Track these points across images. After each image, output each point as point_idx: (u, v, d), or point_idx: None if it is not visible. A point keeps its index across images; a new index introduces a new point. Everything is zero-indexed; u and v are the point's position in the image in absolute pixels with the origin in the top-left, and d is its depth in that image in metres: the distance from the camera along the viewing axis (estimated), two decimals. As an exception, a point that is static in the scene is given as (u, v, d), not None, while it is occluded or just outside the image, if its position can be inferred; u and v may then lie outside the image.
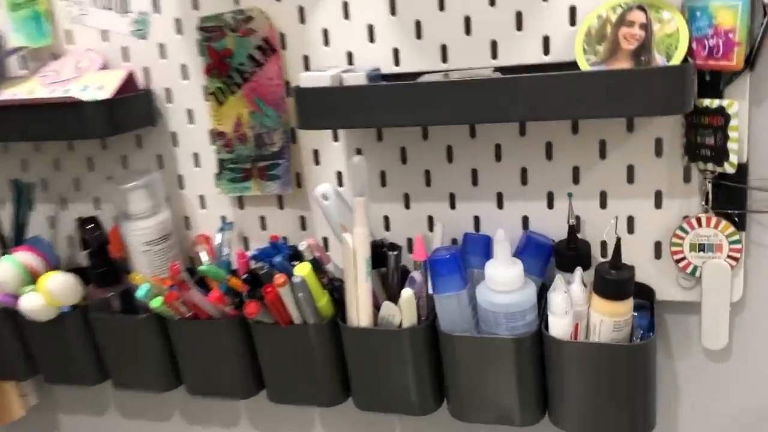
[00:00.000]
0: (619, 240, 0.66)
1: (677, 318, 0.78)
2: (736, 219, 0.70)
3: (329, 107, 0.69)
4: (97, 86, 0.82)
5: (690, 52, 0.64)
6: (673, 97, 0.60)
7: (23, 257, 0.85)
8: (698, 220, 0.71)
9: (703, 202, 0.70)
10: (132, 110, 0.84)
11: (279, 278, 0.70)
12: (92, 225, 0.84)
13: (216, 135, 0.85)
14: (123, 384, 0.89)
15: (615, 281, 0.66)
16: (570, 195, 0.72)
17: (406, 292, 0.70)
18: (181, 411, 1.04)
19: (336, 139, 0.82)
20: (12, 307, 0.85)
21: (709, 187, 0.69)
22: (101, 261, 0.85)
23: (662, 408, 0.78)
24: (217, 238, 0.86)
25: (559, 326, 0.67)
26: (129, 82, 0.84)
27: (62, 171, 0.95)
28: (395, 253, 0.73)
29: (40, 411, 1.10)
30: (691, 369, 0.80)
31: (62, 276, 0.82)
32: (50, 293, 0.81)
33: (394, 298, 0.74)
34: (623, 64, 0.66)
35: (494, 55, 0.73)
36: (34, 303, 0.82)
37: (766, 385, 0.78)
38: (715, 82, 0.67)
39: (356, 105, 0.69)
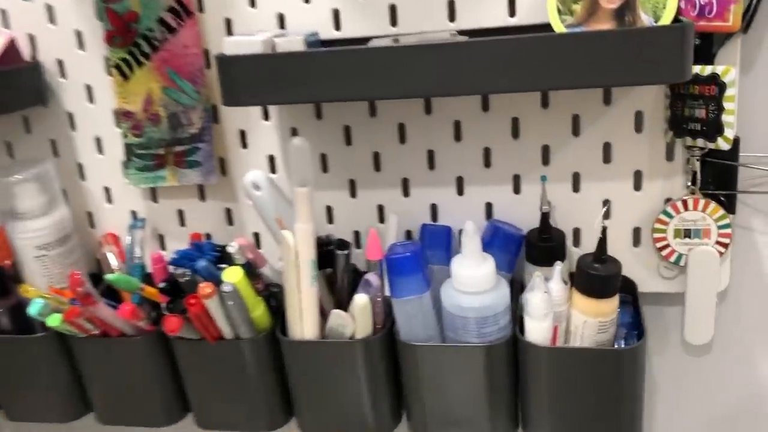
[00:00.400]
0: (605, 230, 0.57)
1: (654, 310, 0.71)
2: (725, 200, 0.63)
3: (261, 79, 0.57)
4: (-32, 57, 0.67)
5: (678, 11, 0.56)
6: (670, 62, 0.52)
7: None
8: (684, 202, 0.63)
9: (689, 183, 0.63)
10: (15, 86, 0.69)
11: (205, 288, 0.58)
12: (-30, 227, 0.69)
13: (122, 115, 0.71)
14: (20, 415, 0.75)
15: (601, 277, 0.57)
16: (543, 178, 0.63)
17: (360, 298, 0.59)
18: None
19: (267, 117, 0.70)
20: None
21: (698, 165, 0.62)
22: (-18, 270, 0.70)
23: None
24: (127, 238, 0.72)
25: (537, 330, 0.58)
26: (10, 52, 0.69)
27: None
28: (345, 252, 0.62)
29: None
30: (668, 364, 0.73)
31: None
32: None
33: (343, 303, 0.63)
34: (604, 25, 0.57)
35: (452, 18, 0.63)
36: None
37: (747, 380, 0.72)
38: (705, 47, 0.59)
39: (294, 76, 0.57)
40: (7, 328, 0.71)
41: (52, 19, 0.70)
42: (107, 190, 0.76)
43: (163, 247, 0.77)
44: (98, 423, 0.73)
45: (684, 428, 0.75)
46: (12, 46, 0.70)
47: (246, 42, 0.57)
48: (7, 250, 0.71)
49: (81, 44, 0.71)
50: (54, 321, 0.63)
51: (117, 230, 0.76)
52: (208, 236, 0.75)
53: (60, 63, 0.72)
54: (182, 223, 0.76)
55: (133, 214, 0.76)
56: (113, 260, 0.74)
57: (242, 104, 0.60)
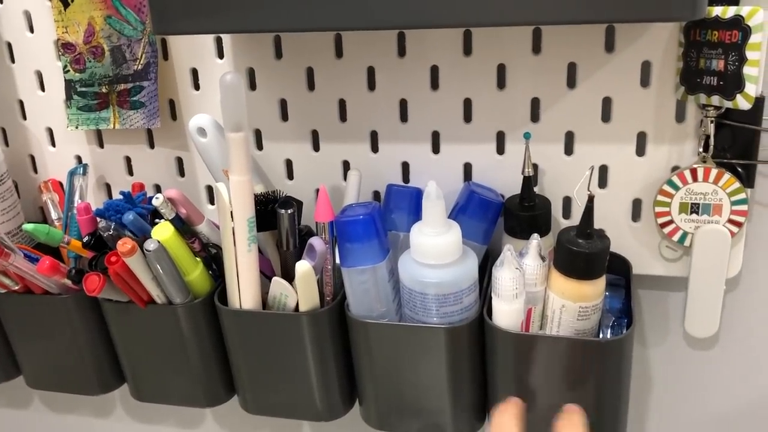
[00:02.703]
0: (592, 199, 0.48)
1: (652, 295, 0.62)
2: (742, 171, 0.53)
3: (198, 2, 0.49)
4: None
5: (699, -63, 0.46)
6: (681, -6, 0.42)
7: None
8: (693, 172, 0.53)
9: (701, 149, 0.53)
10: (-58, 9, 0.61)
11: (124, 244, 0.50)
12: None
13: (62, 47, 0.63)
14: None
15: (584, 255, 0.48)
16: (527, 136, 0.54)
17: (302, 266, 0.51)
18: (42, 399, 0.84)
19: (221, 55, 0.61)
20: None
21: (712, 128, 0.52)
22: None
23: (630, 403, 0.61)
24: (66, 186, 0.65)
25: (506, 314, 0.49)
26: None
27: None
28: (289, 211, 0.54)
29: None
30: (666, 358, 0.64)
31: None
32: None
33: (290, 271, 0.55)
34: (607, -48, 0.47)
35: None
36: None
37: (755, 379, 0.63)
38: (729, -17, 0.48)
39: None
40: (-69, 278, 0.65)
41: (-15, -66, 0.62)
42: (50, 131, 0.69)
43: (109, 196, 0.69)
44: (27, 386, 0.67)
45: (681, 428, 0.66)
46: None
47: (178, -43, 0.48)
48: (-68, 193, 0.64)
49: (18, -36, 0.63)
50: (-35, 273, 0.56)
51: (61, 177, 0.69)
52: (158, 188, 0.67)
53: (-5, -14, 0.64)
54: (130, 171, 0.68)
55: (79, 159, 0.69)
56: (52, 209, 0.67)
57: (176, 32, 0.52)
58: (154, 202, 0.53)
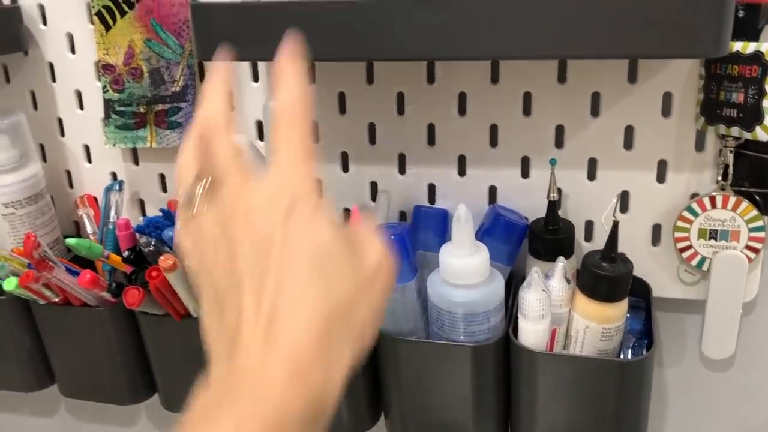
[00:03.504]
0: (616, 225, 0.50)
1: (670, 317, 0.63)
2: (759, 200, 0.55)
3: (240, 31, 0.51)
4: (-63, -5, 0.62)
5: (721, -23, 0.48)
6: (705, 32, 0.44)
7: None
8: (712, 199, 0.55)
9: (720, 177, 0.55)
10: (-10, 30, 0.64)
11: (166, 260, 0.52)
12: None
13: (103, 68, 0.66)
14: (-20, 381, 0.71)
15: (608, 278, 0.50)
16: (553, 162, 0.56)
17: (336, 283, 0.53)
18: (68, 408, 0.86)
19: (256, 78, 0.64)
20: None
21: (731, 158, 0.54)
22: (-51, 225, 0.65)
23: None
24: (102, 201, 0.67)
25: (532, 333, 0.51)
26: (-15, -8, 0.64)
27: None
28: (323, 230, 0.56)
29: None
30: (683, 379, 0.66)
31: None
32: None
33: (322, 287, 0.57)
34: (633, -11, 0.50)
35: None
36: None
37: (770, 400, 0.64)
38: (750, 20, 0.51)
39: (277, 29, 0.50)
40: (-28, 288, 0.67)
41: (32, -41, 0.65)
42: (87, 148, 0.71)
43: (143, 212, 0.72)
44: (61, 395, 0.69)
45: (696, 449, 0.68)
46: (-12, -13, 0.65)
47: (224, -12, 0.51)
48: (-26, 205, 0.67)
49: (63, -12, 0.66)
50: (9, 285, 0.58)
51: (96, 192, 0.71)
52: (190, 204, 0.70)
53: (41, 8, 0.67)
54: (164, 188, 0.70)
55: (114, 175, 0.71)
56: (88, 224, 0.69)
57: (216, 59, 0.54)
58: (195, 219, 0.55)
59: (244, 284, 0.30)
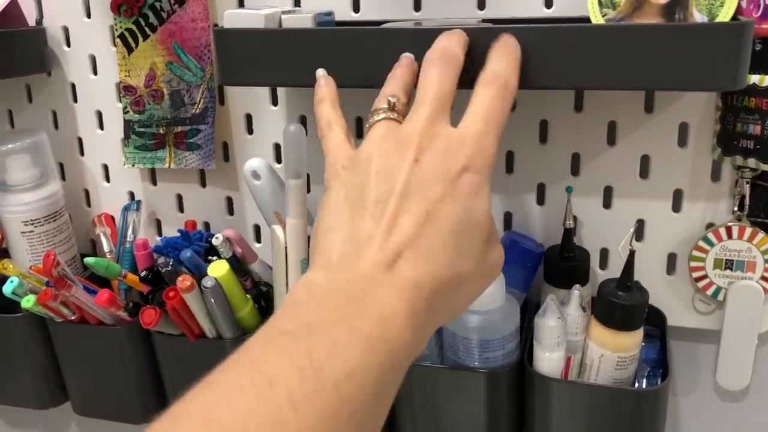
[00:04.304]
0: (633, 254, 0.50)
1: (685, 347, 0.63)
2: (775, 231, 0.55)
3: (262, 57, 0.52)
4: (-35, 16, 0.63)
5: (738, 11, 0.49)
6: (723, 66, 0.44)
7: None
8: (728, 230, 0.55)
9: (736, 208, 0.55)
10: (16, 51, 0.65)
11: (184, 280, 0.53)
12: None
13: (124, 89, 0.67)
14: (-4, 397, 0.71)
15: (624, 306, 0.50)
16: (569, 189, 0.56)
17: (352, 307, 0.53)
18: (79, 426, 0.86)
19: (275, 102, 0.65)
20: None
21: (747, 189, 0.54)
22: (-32, 242, 0.66)
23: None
24: (120, 221, 0.68)
25: (547, 361, 0.51)
26: (12, 14, 0.66)
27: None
28: (340, 253, 0.56)
29: None
30: (697, 409, 0.65)
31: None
32: None
33: (337, 310, 0.57)
34: (650, 21, 0.50)
35: (481, 5, 0.57)
36: None
37: (785, 432, 0.64)
38: (767, 53, 0.51)
39: (298, 56, 0.51)
40: (-11, 305, 0.68)
41: (59, -17, 0.66)
42: (106, 168, 0.72)
43: (159, 232, 0.72)
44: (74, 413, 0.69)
45: (709, 480, 0.67)
46: (14, 8, 0.66)
47: (248, 15, 0.52)
48: (-5, 223, 0.68)
49: (88, 12, 0.67)
50: (27, 303, 0.58)
51: (114, 211, 0.72)
52: (207, 225, 0.70)
53: (65, 30, 0.68)
54: (181, 209, 0.71)
55: (131, 195, 0.72)
56: (105, 242, 0.70)
57: (239, 83, 0.55)
58: (214, 241, 0.55)
59: (389, 204, 0.31)
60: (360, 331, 0.27)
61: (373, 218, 0.31)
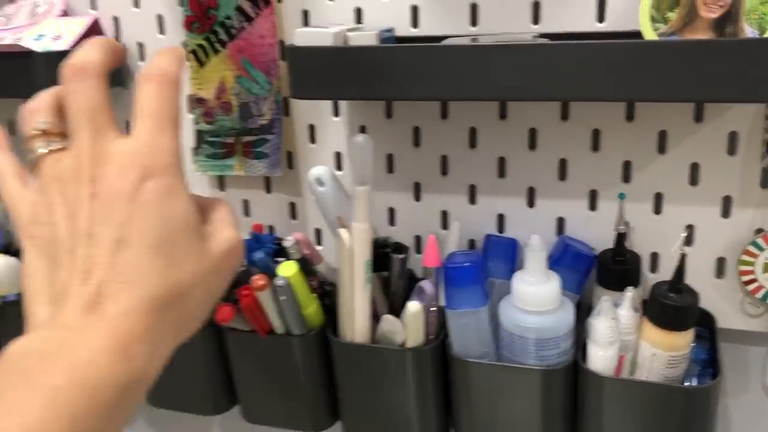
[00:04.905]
0: (684, 257, 0.53)
1: (734, 348, 0.65)
2: (824, 236, 0.57)
3: (330, 72, 0.56)
4: (54, 35, 0.68)
5: (788, 24, 0.51)
6: (772, 78, 0.47)
7: (-40, 235, 0.72)
8: (777, 235, 0.57)
9: (785, 214, 0.57)
10: (96, 67, 0.70)
11: (258, 280, 0.57)
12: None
13: (195, 101, 0.71)
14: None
15: (675, 307, 0.53)
16: (622, 196, 0.59)
17: (414, 306, 0.57)
18: (146, 419, 0.91)
19: (337, 113, 0.68)
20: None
21: (796, 195, 0.56)
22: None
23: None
24: (191, 224, 0.72)
25: (601, 359, 0.54)
26: (94, 33, 0.71)
27: (16, 135, 0.81)
28: (402, 256, 0.60)
29: None
30: (745, 410, 0.67)
31: (4, 259, 0.69)
32: (-11, 279, 0.68)
33: (397, 309, 0.61)
34: (701, 36, 0.53)
35: (535, 20, 0.60)
36: (-32, 290, 0.69)
37: (835, 433, 0.65)
38: (816, 65, 0.53)
39: (364, 71, 0.55)
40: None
41: (136, 3, 0.71)
42: (177, 174, 0.76)
43: (225, 235, 0.76)
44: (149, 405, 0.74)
45: (758, 479, 0.69)
46: (95, 28, 0.71)
47: (317, 34, 0.56)
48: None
49: (161, 29, 0.72)
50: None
51: (183, 215, 0.76)
52: (271, 229, 0.74)
53: (140, 46, 0.73)
54: (247, 213, 0.75)
55: (200, 200, 0.76)
56: (176, 245, 0.74)
57: (310, 97, 0.59)
58: (285, 243, 0.59)
59: (78, 248, 0.29)
60: (43, 386, 0.25)
61: (69, 268, 0.29)
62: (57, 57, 0.65)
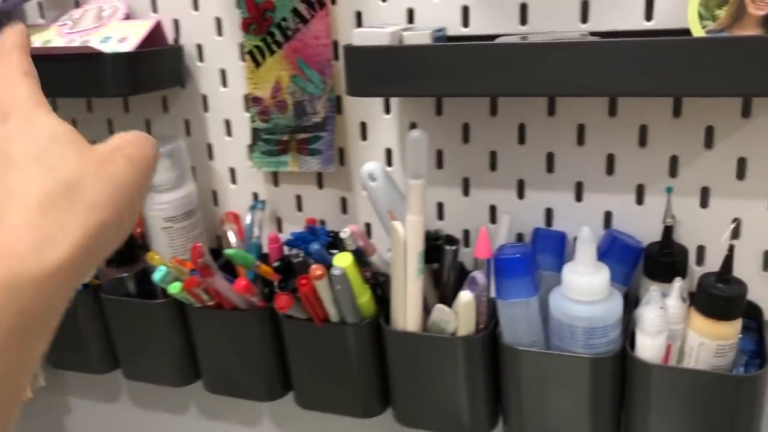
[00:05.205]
0: (732, 249, 0.54)
1: (780, 341, 0.66)
2: None
3: (386, 71, 0.58)
4: (119, 37, 0.72)
5: (836, 20, 0.52)
6: (822, 73, 0.48)
7: (30, 227, 0.75)
8: (825, 228, 0.58)
9: (833, 207, 0.58)
10: (158, 67, 0.74)
11: (316, 269, 0.60)
12: (108, 195, 0.74)
13: (251, 100, 0.74)
14: (135, 375, 0.80)
15: (724, 297, 0.54)
16: (669, 190, 0.60)
17: (466, 296, 0.59)
18: (198, 405, 0.94)
19: (387, 111, 0.71)
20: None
21: None
22: (116, 236, 0.75)
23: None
24: (247, 218, 0.76)
25: (649, 347, 0.56)
26: (156, 35, 0.74)
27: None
28: (453, 247, 0.62)
29: (49, 393, 1.02)
30: (792, 402, 0.67)
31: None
32: (57, 270, 0.72)
33: (448, 299, 0.63)
34: (749, 32, 0.54)
35: (584, 19, 0.61)
36: (39, 280, 0.73)
37: None
38: None
39: (418, 69, 0.57)
40: (132, 292, 0.76)
41: (195, 6, 0.75)
42: (232, 171, 0.80)
43: (279, 229, 0.80)
44: (205, 391, 0.77)
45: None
46: (157, 30, 0.74)
47: (374, 34, 0.58)
48: (138, 220, 0.76)
49: (219, 30, 0.75)
50: (174, 289, 0.66)
51: (238, 210, 0.79)
52: (323, 222, 0.77)
53: (199, 47, 0.76)
54: (299, 208, 0.78)
55: (255, 195, 0.79)
56: (233, 238, 0.77)
57: (366, 94, 0.62)
58: (342, 234, 0.62)
59: None
60: None
61: None
62: (123, 58, 0.69)
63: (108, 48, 0.70)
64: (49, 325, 0.28)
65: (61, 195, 0.28)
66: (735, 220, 0.57)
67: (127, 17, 0.76)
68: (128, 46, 0.71)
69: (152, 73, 0.73)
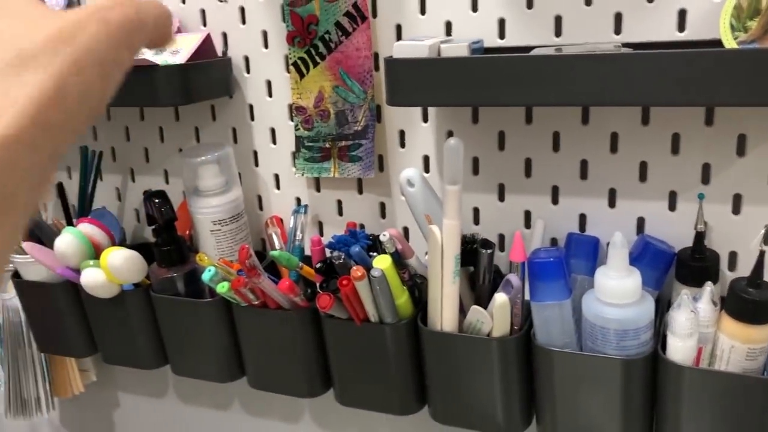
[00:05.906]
0: (763, 254, 0.55)
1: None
2: None
3: (425, 81, 0.61)
4: (172, 50, 0.76)
5: None
6: None
7: (87, 229, 0.80)
8: None
9: None
10: (207, 78, 0.78)
11: (357, 271, 0.62)
12: (160, 199, 0.78)
13: (296, 110, 0.78)
14: (182, 371, 0.84)
15: (755, 302, 0.55)
16: (701, 196, 0.62)
17: (501, 298, 0.61)
18: (241, 401, 0.98)
19: (425, 119, 0.73)
20: (74, 281, 0.81)
21: None
22: (167, 238, 0.79)
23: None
24: (291, 222, 0.79)
25: (680, 350, 0.57)
26: (206, 47, 0.78)
27: (132, 141, 0.90)
28: (489, 251, 0.64)
29: (99, 388, 1.07)
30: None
31: (125, 252, 0.77)
32: (112, 269, 0.76)
33: (483, 301, 0.65)
34: (780, 43, 0.55)
35: (617, 30, 0.63)
36: (94, 279, 0.77)
37: None
38: None
39: (456, 79, 0.60)
40: (181, 292, 0.80)
41: (243, 20, 0.78)
42: (277, 176, 0.83)
43: (321, 232, 0.83)
44: (249, 387, 0.81)
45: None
46: (207, 43, 0.78)
47: (413, 46, 0.61)
48: (187, 222, 0.80)
49: (266, 43, 0.78)
50: (222, 288, 0.70)
51: (282, 214, 0.83)
52: (362, 226, 0.80)
53: (246, 59, 0.80)
54: (340, 212, 0.81)
55: (298, 200, 0.83)
56: (276, 240, 0.81)
57: (405, 104, 0.64)
58: (382, 237, 0.65)
59: None
60: None
61: None
62: (175, 69, 0.73)
63: (161, 60, 0.74)
64: (17, 196, 0.26)
65: (11, 65, 0.27)
66: (766, 225, 0.58)
67: (179, 31, 0.80)
68: (180, 58, 0.75)
69: (202, 83, 0.77)
